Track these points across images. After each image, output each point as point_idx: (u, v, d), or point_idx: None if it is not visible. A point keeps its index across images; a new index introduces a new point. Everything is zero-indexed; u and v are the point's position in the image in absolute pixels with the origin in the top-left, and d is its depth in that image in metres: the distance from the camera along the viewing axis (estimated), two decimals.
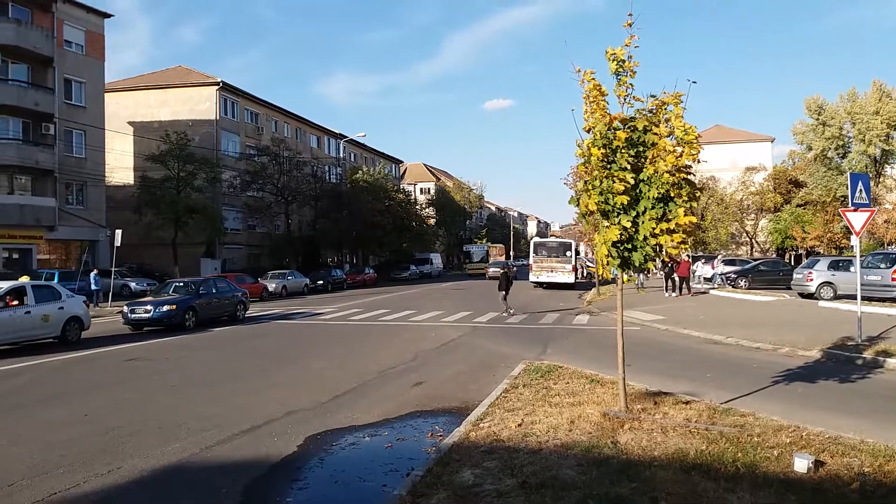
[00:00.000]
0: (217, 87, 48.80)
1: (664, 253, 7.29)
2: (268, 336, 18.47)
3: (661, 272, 30.37)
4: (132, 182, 43.60)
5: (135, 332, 18.99)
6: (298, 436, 7.65)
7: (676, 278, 28.03)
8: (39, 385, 11.41)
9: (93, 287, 28.05)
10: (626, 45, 7.00)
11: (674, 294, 27.48)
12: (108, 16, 40.03)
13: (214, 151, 46.36)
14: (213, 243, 45.44)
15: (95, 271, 29.32)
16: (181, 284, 21.76)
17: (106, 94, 40.84)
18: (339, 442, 7.54)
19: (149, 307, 19.29)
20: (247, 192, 49.07)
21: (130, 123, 47.21)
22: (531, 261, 39.21)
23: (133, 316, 19.28)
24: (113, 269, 29.75)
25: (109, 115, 41.02)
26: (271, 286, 35.88)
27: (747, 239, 62.90)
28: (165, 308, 19.19)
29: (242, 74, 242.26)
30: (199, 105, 48.63)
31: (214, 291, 21.83)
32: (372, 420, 8.43)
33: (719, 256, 41.06)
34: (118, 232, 28.24)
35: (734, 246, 62.46)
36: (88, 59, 38.39)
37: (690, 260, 31.20)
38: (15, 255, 34.53)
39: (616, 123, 6.95)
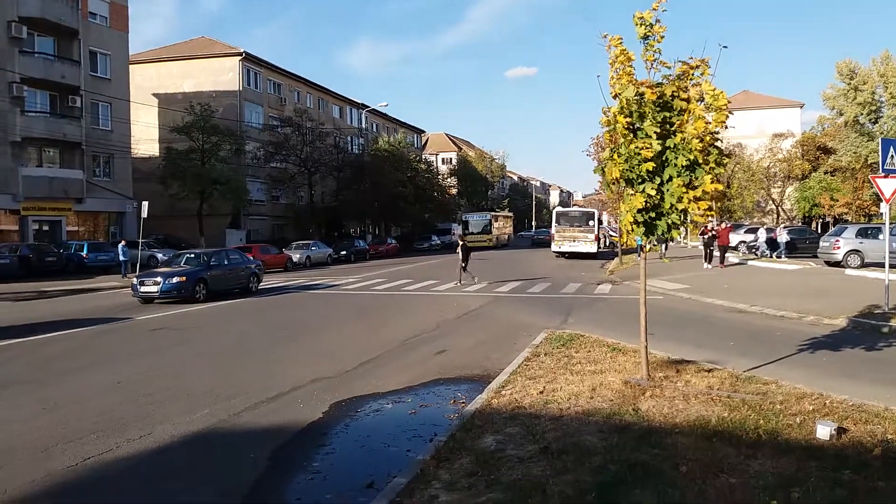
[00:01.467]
0: (240, 58, 48.77)
1: (689, 220, 7.24)
2: (291, 306, 18.72)
3: (701, 241, 28.16)
4: (157, 154, 43.99)
5: (146, 305, 18.53)
6: (324, 402, 7.80)
7: (717, 249, 26.19)
8: (73, 354, 11.71)
9: (120, 258, 28.54)
10: (654, 9, 6.89)
11: (709, 266, 25.63)
12: None
13: (238, 123, 46.52)
14: (237, 214, 45.91)
15: (123, 242, 29.78)
16: (192, 256, 21.28)
17: (130, 66, 41.06)
18: (363, 408, 7.68)
19: (158, 279, 18.68)
20: (270, 164, 49.31)
21: (155, 95, 47.47)
22: (553, 230, 39.06)
23: (143, 289, 18.57)
24: (140, 241, 30.16)
25: (134, 86, 41.27)
26: (295, 257, 36.23)
27: (773, 207, 61.89)
28: (175, 280, 18.59)
29: (265, 45, 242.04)
30: (223, 76, 48.68)
31: (226, 263, 21.26)
32: (395, 387, 8.55)
33: (762, 227, 37.82)
34: (145, 203, 28.58)
35: (759, 214, 61.52)
36: (112, 31, 38.54)
37: (731, 227, 30.08)
38: (45, 227, 35.18)
39: (643, 89, 6.86)
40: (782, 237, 31.50)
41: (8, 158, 32.61)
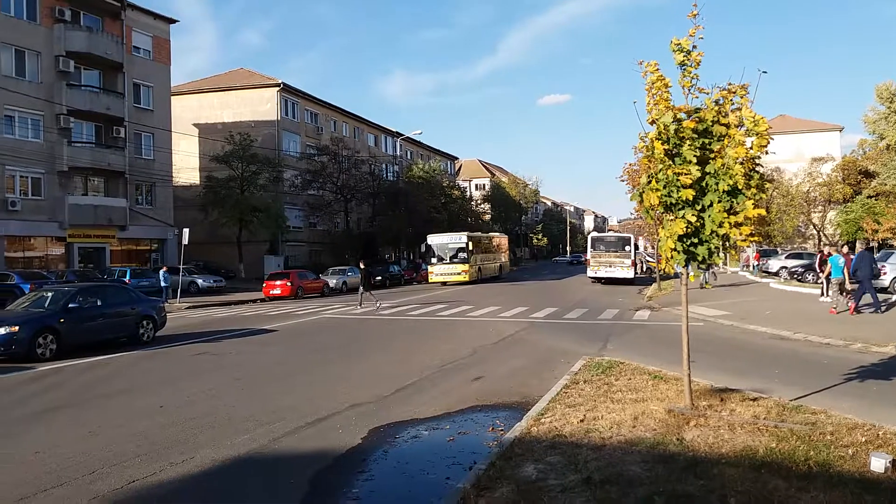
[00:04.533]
0: (278, 89, 49.94)
1: (730, 246, 7.13)
2: (329, 331, 18.81)
3: (819, 270, 22.41)
4: (198, 182, 45.09)
5: None
6: (362, 428, 7.80)
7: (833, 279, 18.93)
8: (114, 378, 11.94)
9: (162, 284, 29.11)
10: (691, 36, 6.88)
11: (827, 298, 19.94)
12: (174, 21, 41.44)
13: (276, 151, 47.47)
14: (276, 241, 46.66)
15: (164, 269, 30.42)
16: (46, 295, 15.45)
17: (172, 97, 42.34)
18: (401, 434, 7.66)
19: None
20: (307, 191, 50.13)
21: (195, 125, 48.78)
22: (588, 255, 38.77)
23: None
24: (181, 267, 30.81)
25: (175, 117, 42.51)
26: (332, 282, 36.63)
27: (814, 232, 60.58)
28: (3, 331, 13.23)
29: (302, 75, 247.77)
30: (261, 106, 49.85)
31: (99, 304, 15.54)
32: (433, 413, 8.51)
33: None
34: (185, 231, 29.22)
35: (800, 239, 60.27)
36: (155, 64, 39.86)
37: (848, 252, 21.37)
38: (90, 254, 36.19)
39: (681, 115, 6.83)
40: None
41: (55, 187, 33.74)
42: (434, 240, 42.44)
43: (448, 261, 41.12)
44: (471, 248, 41.39)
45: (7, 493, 5.84)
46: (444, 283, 40.30)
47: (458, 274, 40.49)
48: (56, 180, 33.76)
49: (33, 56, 32.78)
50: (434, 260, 41.79)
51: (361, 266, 27.22)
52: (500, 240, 52.10)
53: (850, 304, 17.65)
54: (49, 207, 33.45)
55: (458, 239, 41.84)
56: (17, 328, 13.38)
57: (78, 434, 7.85)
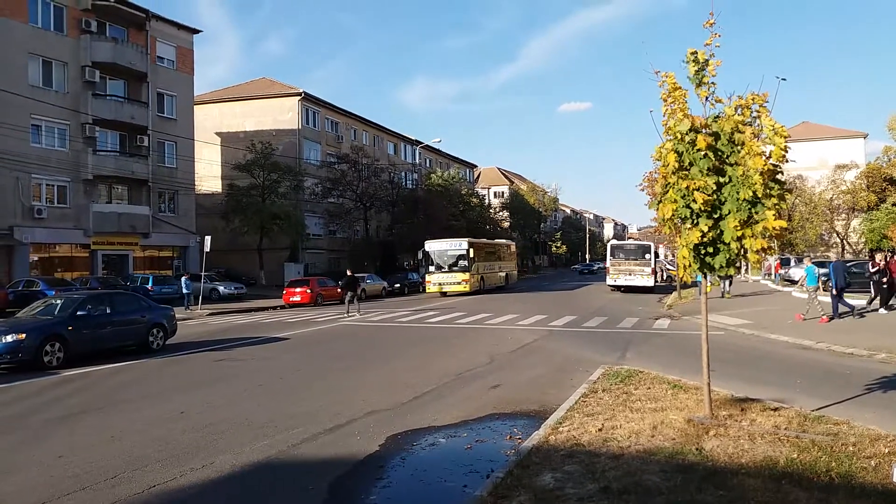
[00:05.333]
0: (299, 98, 50.41)
1: (747, 256, 7.07)
2: (347, 338, 18.89)
3: (870, 278, 20.53)
4: (220, 190, 45.55)
5: None
6: (380, 435, 7.83)
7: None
8: (137, 384, 12.10)
9: (184, 291, 29.45)
10: (708, 45, 6.85)
11: (885, 311, 19.08)
12: (197, 32, 42.03)
13: (297, 160, 47.87)
14: (296, 248, 47.01)
15: (186, 275, 30.76)
16: (53, 303, 15.45)
17: (195, 107, 42.91)
18: (419, 442, 7.68)
19: None
20: (327, 199, 50.47)
21: (218, 134, 49.35)
22: (608, 263, 38.56)
23: None
24: (202, 274, 31.12)
25: (198, 126, 43.06)
26: None
27: (837, 240, 59.76)
28: (10, 339, 13.06)
29: (323, 85, 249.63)
30: (282, 115, 50.34)
31: (108, 312, 15.37)
32: (451, 421, 8.52)
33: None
34: (208, 238, 29.53)
35: (823, 247, 59.50)
36: (179, 74, 40.44)
37: None
38: (113, 261, 36.73)
39: (698, 125, 6.80)
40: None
41: (81, 195, 34.32)
42: (432, 246, 39.13)
43: (447, 269, 38.15)
44: (472, 255, 38.13)
45: (31, 496, 5.95)
46: (443, 294, 37.64)
47: (458, 283, 37.49)
48: (81, 188, 34.34)
49: (60, 66, 33.44)
50: (432, 268, 38.55)
51: (348, 274, 27.93)
52: (507, 247, 48.88)
53: (823, 315, 18.21)
54: (74, 215, 34.01)
55: (458, 245, 38.74)
56: (23, 336, 13.23)
57: (100, 439, 7.96)
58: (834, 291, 18.41)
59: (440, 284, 37.99)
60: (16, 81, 30.69)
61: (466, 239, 39.77)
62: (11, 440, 8.09)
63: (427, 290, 38.71)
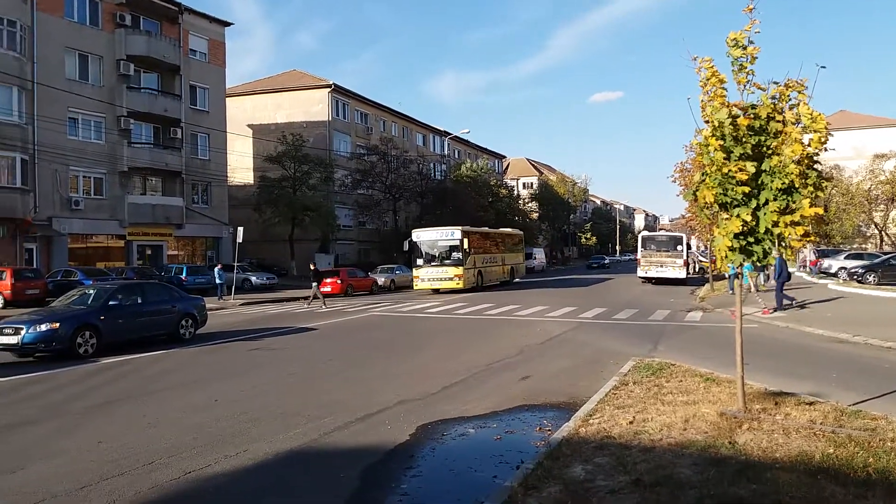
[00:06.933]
0: (329, 90, 50.71)
1: (786, 246, 6.96)
2: (377, 328, 19.01)
3: None
4: (252, 182, 46.09)
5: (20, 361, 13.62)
6: (410, 424, 7.88)
7: None
8: (172, 373, 12.35)
9: (217, 281, 29.90)
10: (747, 31, 6.73)
11: None
12: (228, 24, 42.46)
13: (327, 151, 48.20)
14: (326, 239, 47.42)
15: (219, 266, 31.20)
16: (86, 293, 15.54)
17: (227, 99, 43.40)
18: (449, 432, 7.71)
19: (21, 326, 13.33)
20: (357, 190, 50.76)
21: (249, 126, 49.88)
22: (639, 255, 38.18)
23: (1, 340, 13.37)
24: (235, 264, 31.55)
25: (230, 118, 43.54)
26: (381, 280, 37.06)
27: (876, 231, 58.33)
28: (44, 327, 13.27)
29: (353, 77, 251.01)
30: (313, 107, 50.68)
31: (140, 302, 15.56)
32: (480, 412, 8.54)
33: None
34: (240, 229, 29.90)
35: (860, 239, 58.13)
36: (211, 66, 40.92)
37: None
38: (148, 251, 37.42)
39: (736, 111, 6.69)
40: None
41: (116, 187, 35.00)
42: (421, 235, 34.23)
43: (438, 262, 33.15)
44: (466, 246, 33.03)
45: (72, 481, 6.11)
46: (435, 291, 33.21)
47: (450, 279, 32.59)
48: (117, 180, 35.01)
49: (96, 60, 34.07)
50: (420, 261, 33.55)
51: (311, 267, 28.50)
52: (511, 237, 43.02)
53: (767, 306, 19.49)
54: (110, 206, 34.70)
55: (451, 234, 33.50)
56: (57, 325, 13.43)
57: (138, 426, 8.14)
58: (776, 283, 19.78)
59: (429, 280, 33.25)
60: (54, 75, 31.37)
61: (460, 227, 34.38)
62: (53, 426, 8.31)
63: (416, 287, 33.92)
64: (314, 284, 27.65)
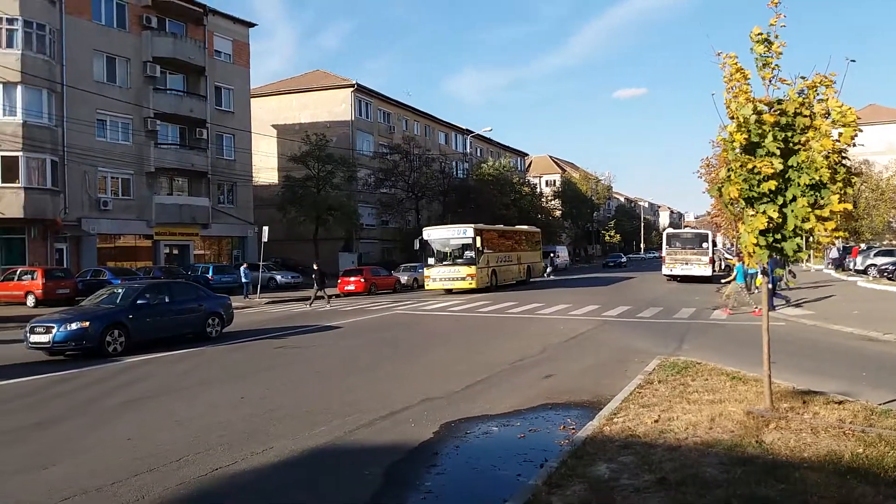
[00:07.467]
0: (352, 90, 50.97)
1: (815, 242, 6.86)
2: (401, 326, 19.06)
3: None
4: (276, 181, 46.44)
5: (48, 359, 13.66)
6: (434, 422, 7.91)
7: None
8: (199, 370, 12.51)
9: (243, 280, 30.23)
10: (772, 25, 6.64)
11: None
12: (253, 25, 42.91)
13: (350, 151, 48.45)
14: (350, 238, 47.68)
15: (245, 265, 31.53)
16: (114, 293, 15.88)
17: (251, 99, 43.82)
18: (472, 430, 7.72)
19: (53, 325, 13.51)
20: (380, 190, 50.92)
21: (274, 126, 50.28)
22: (664, 252, 37.81)
23: (33, 339, 13.61)
24: (260, 263, 31.85)
25: (255, 118, 43.97)
26: (403, 278, 37.15)
27: None
28: (75, 326, 13.47)
29: (376, 76, 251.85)
30: (336, 107, 50.97)
31: (167, 301, 15.72)
32: (504, 410, 8.53)
33: None
34: (265, 228, 30.18)
35: (890, 235, 57.08)
36: (235, 67, 41.36)
37: None
38: (175, 251, 37.92)
39: (762, 107, 6.60)
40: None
41: (144, 187, 35.51)
42: (432, 233, 33.02)
43: (450, 261, 31.84)
44: (479, 244, 31.72)
45: (104, 477, 6.23)
46: (448, 291, 31.92)
47: (463, 279, 31.24)
48: (144, 181, 35.52)
49: (123, 62, 34.61)
50: (431, 260, 32.18)
51: (314, 267, 27.78)
52: (528, 235, 41.18)
53: (756, 307, 19.10)
54: (137, 206, 35.23)
55: (463, 233, 32.16)
56: (87, 324, 13.62)
57: (166, 423, 8.28)
58: (770, 286, 19.21)
59: (441, 280, 31.97)
60: (82, 78, 31.92)
61: (472, 225, 33.09)
62: (84, 423, 8.48)
63: (427, 287, 32.69)
64: (316, 285, 27.29)
